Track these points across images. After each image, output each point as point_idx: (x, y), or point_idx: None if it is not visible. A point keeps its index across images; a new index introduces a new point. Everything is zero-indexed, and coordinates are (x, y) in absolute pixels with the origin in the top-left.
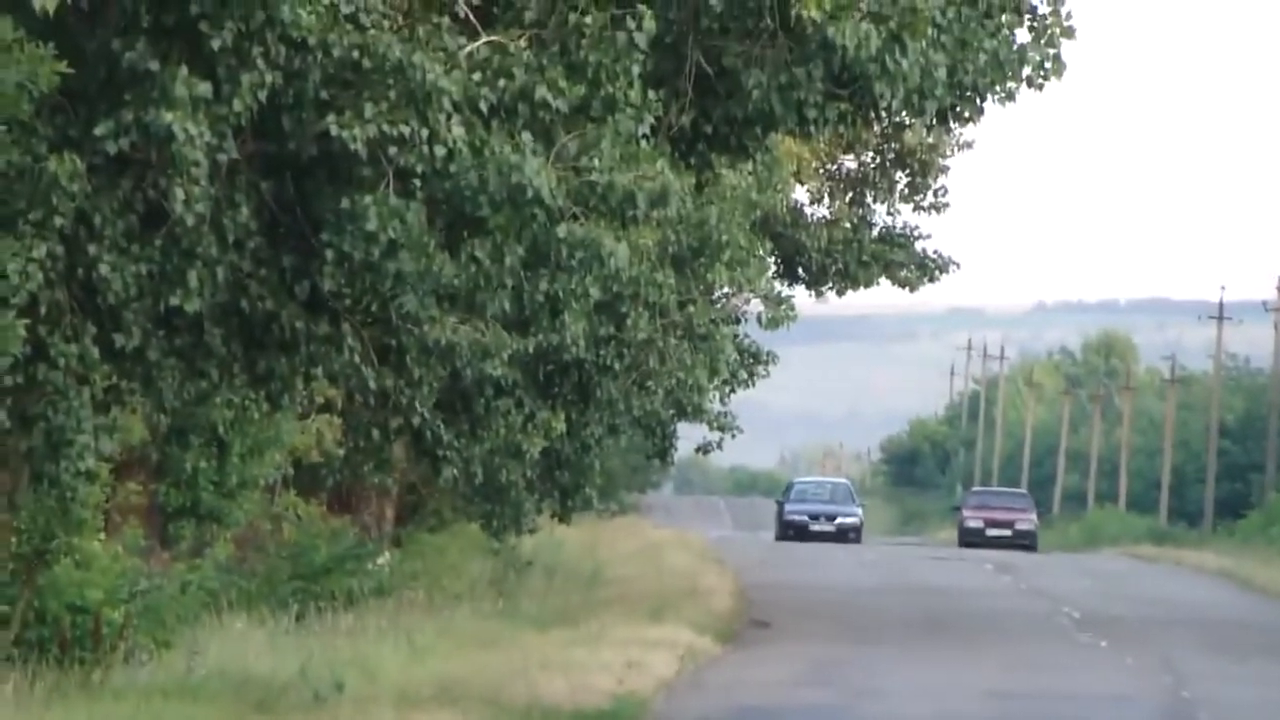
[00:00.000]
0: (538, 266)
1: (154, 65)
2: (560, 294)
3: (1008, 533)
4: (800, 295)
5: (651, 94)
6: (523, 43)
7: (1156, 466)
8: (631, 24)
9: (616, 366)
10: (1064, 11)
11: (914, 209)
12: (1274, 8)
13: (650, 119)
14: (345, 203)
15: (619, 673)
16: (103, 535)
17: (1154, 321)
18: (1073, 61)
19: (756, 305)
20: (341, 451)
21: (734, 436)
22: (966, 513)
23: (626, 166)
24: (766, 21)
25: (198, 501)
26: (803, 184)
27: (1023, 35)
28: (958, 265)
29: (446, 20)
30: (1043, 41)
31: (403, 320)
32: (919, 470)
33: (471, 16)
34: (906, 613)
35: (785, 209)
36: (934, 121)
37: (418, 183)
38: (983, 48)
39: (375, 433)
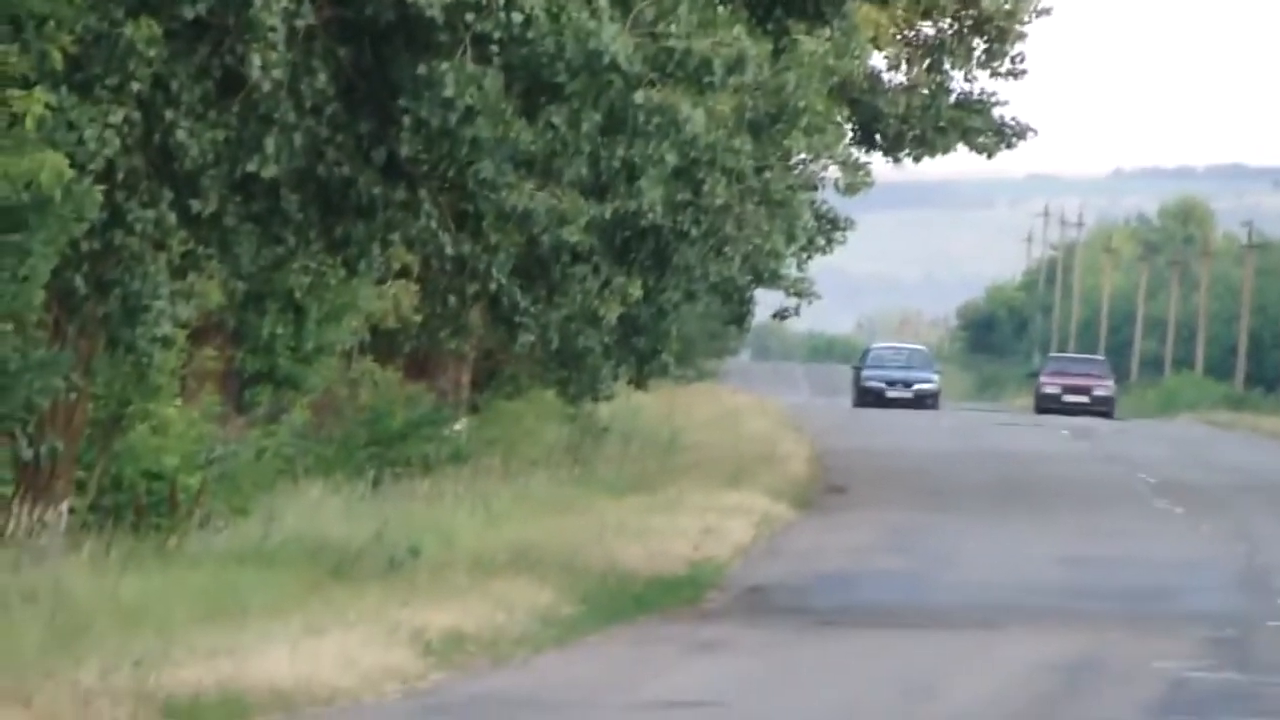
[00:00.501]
0: (614, 133)
1: None
2: (637, 160)
3: (1085, 399)
4: (877, 161)
5: None
6: None
7: (1233, 332)
8: None
9: (693, 232)
10: None
11: (991, 75)
12: None
13: None
14: (422, 69)
15: (695, 539)
16: (179, 401)
17: (1231, 187)
18: None
19: (834, 171)
20: (418, 317)
21: (811, 303)
22: (1044, 379)
23: (703, 32)
24: None
25: (274, 367)
26: (880, 50)
27: None
28: (1035, 131)
29: None
30: None
31: (479, 186)
32: (996, 336)
33: None
34: (983, 479)
35: (862, 75)
36: None
37: (495, 49)
38: None
39: (452, 299)
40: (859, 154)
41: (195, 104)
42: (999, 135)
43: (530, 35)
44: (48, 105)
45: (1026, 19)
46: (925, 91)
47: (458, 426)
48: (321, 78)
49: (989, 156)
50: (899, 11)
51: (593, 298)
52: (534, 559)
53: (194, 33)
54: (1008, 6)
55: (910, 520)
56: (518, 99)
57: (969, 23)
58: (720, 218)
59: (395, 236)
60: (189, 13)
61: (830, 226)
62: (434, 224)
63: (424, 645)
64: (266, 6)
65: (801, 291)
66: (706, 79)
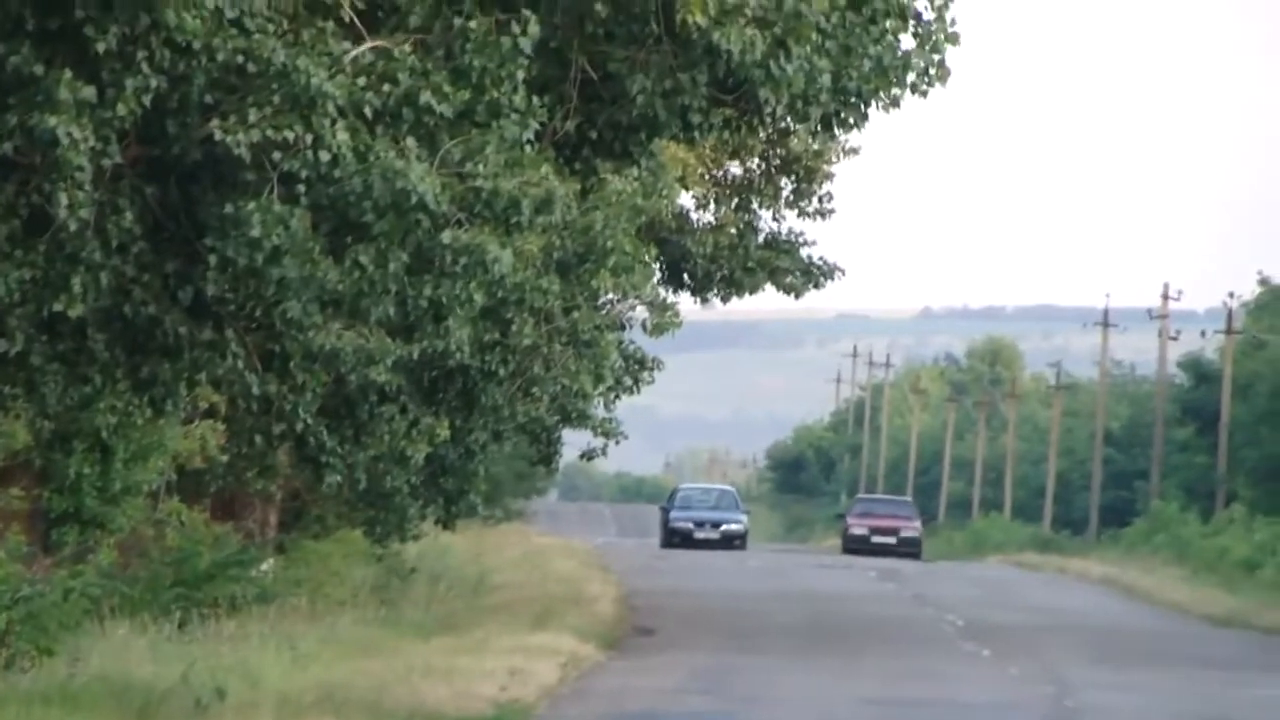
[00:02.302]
0: (422, 272)
1: (38, 69)
2: (444, 300)
3: (892, 540)
4: (686, 301)
5: (536, 99)
6: (407, 47)
7: (1041, 474)
8: (516, 29)
9: (501, 372)
10: (948, 17)
11: (799, 215)
12: (1160, 14)
13: (535, 124)
14: (229, 208)
15: (502, 680)
16: None
17: (1039, 328)
18: (957, 67)
19: (642, 311)
20: (225, 457)
21: (619, 442)
22: (851, 520)
23: (511, 172)
24: (651, 26)
25: (81, 507)
26: (688, 190)
27: (907, 41)
28: (843, 272)
29: (331, 25)
30: (927, 48)
31: (286, 326)
32: (804, 477)
33: (356, 21)
34: (790, 620)
35: (670, 215)
36: (819, 127)
37: (302, 188)
38: (867, 53)
39: (259, 438)
40: (667, 294)
41: (2, 243)
42: (807, 275)
43: (337, 174)
44: None
45: (834, 159)
46: (733, 231)
47: (264, 567)
48: (129, 216)
49: (797, 297)
50: (707, 151)
51: (400, 438)
52: (340, 700)
53: (0, 172)
54: (815, 147)
55: (718, 662)
56: (325, 238)
57: (777, 163)
58: (528, 358)
59: (202, 376)
60: None
61: (638, 366)
62: (240, 364)
63: None
64: (74, 146)
65: (609, 432)
66: (514, 219)
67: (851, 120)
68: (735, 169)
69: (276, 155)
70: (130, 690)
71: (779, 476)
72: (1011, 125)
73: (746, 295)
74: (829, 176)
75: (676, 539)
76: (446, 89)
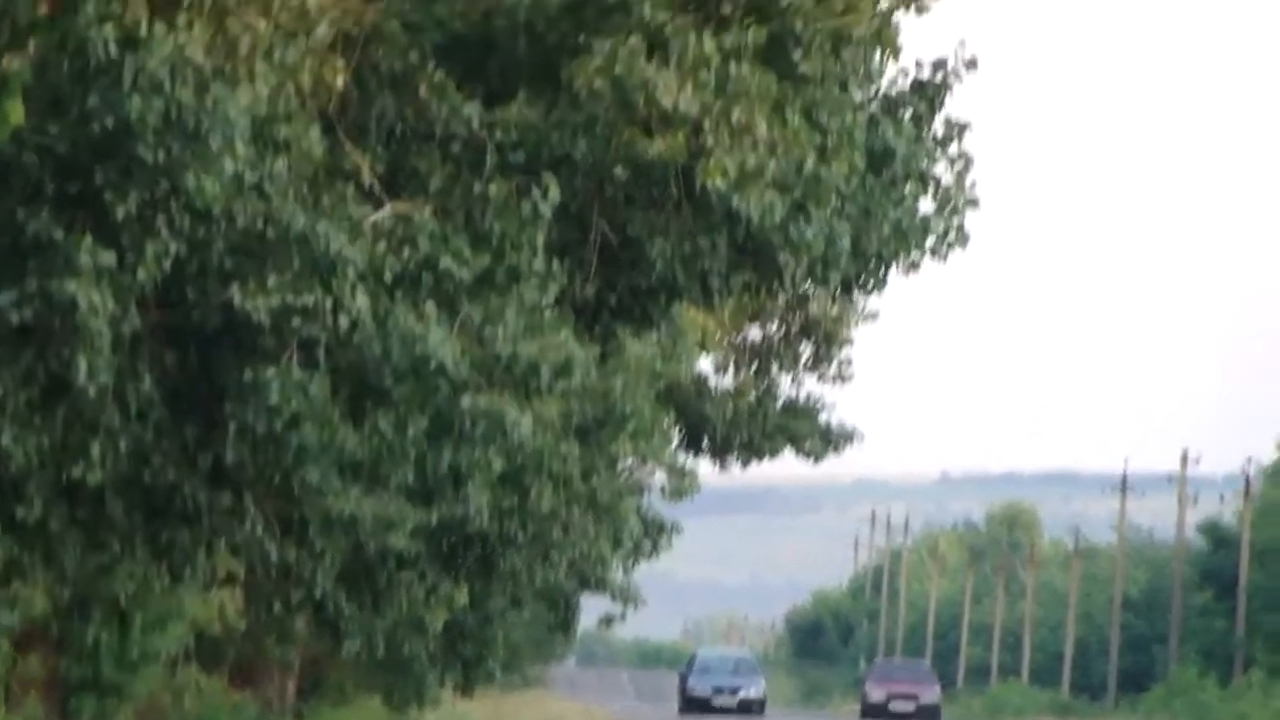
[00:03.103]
0: (441, 438)
1: (58, 234)
2: (464, 466)
3: (911, 706)
4: (704, 466)
5: (556, 264)
6: (427, 212)
7: (1060, 639)
8: (536, 193)
9: (520, 538)
10: (968, 182)
11: (818, 380)
12: (1176, 180)
13: (554, 289)
14: (248, 374)
15: None
16: (3, 709)
17: (1058, 493)
18: (977, 231)
19: (660, 476)
20: (243, 624)
21: (637, 608)
22: (870, 685)
23: (530, 337)
24: (671, 190)
25: (99, 674)
26: (707, 354)
27: (927, 205)
28: (862, 437)
29: (351, 189)
30: (946, 211)
31: (305, 492)
32: (823, 642)
33: (376, 185)
34: None
35: (690, 379)
36: (838, 291)
37: (321, 353)
38: (887, 217)
39: (277, 605)
40: (686, 458)
41: (20, 410)
42: (826, 440)
43: (357, 339)
44: None
45: (853, 323)
46: (752, 396)
47: None
48: (148, 382)
49: (816, 461)
50: (726, 315)
51: (419, 604)
52: None
53: (19, 338)
54: (835, 311)
55: None
56: (344, 403)
57: (796, 327)
58: (547, 524)
59: (220, 543)
60: (14, 318)
61: (657, 531)
62: (259, 530)
63: None
64: (93, 311)
65: (627, 597)
66: (533, 384)
67: (871, 284)
68: (754, 333)
69: (296, 321)
70: None
71: (797, 641)
72: (1030, 289)
73: (765, 460)
74: (848, 341)
75: (695, 705)
76: (466, 253)
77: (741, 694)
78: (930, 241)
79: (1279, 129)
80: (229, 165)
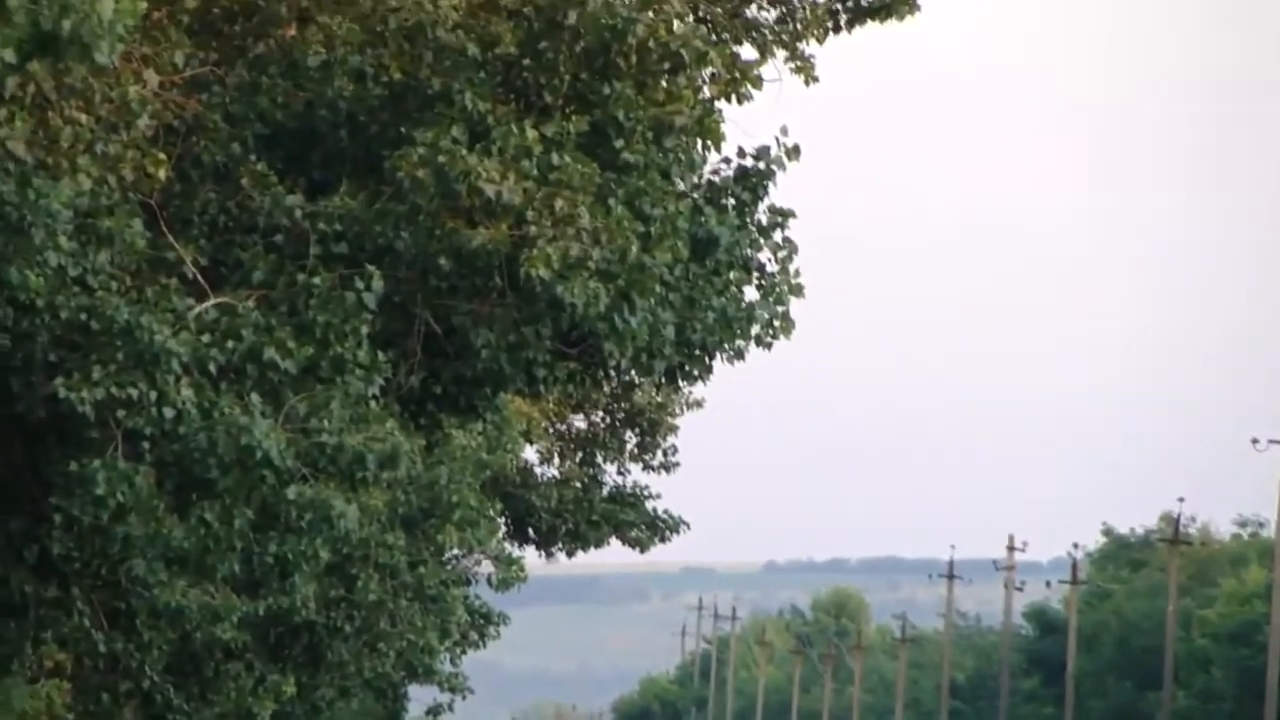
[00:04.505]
0: (267, 528)
1: None
2: (290, 556)
3: None
4: (531, 555)
5: (380, 354)
6: (251, 303)
7: None
8: (360, 284)
9: (347, 628)
10: (792, 269)
11: (644, 468)
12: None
13: (379, 379)
14: (74, 466)
15: None
16: None
17: (885, 580)
18: (801, 318)
19: (487, 566)
20: (72, 716)
21: (464, 698)
22: None
23: (356, 427)
24: (495, 280)
25: None
26: (532, 443)
27: (751, 293)
28: (688, 525)
29: (174, 281)
30: (771, 299)
31: (132, 584)
32: None
33: (200, 277)
34: None
35: (515, 469)
36: (663, 380)
37: (146, 445)
38: (711, 306)
39: (105, 696)
40: (512, 548)
41: None
42: (652, 529)
43: (182, 430)
44: None
45: (678, 411)
46: (578, 485)
47: None
48: None
49: (642, 551)
50: (551, 405)
51: (246, 695)
52: None
53: None
54: (659, 399)
55: None
56: (169, 495)
57: (621, 416)
58: (374, 614)
59: (48, 635)
60: None
61: (484, 621)
62: (86, 622)
63: None
64: None
65: (456, 687)
66: (360, 474)
67: (695, 372)
68: (579, 422)
69: (121, 412)
70: None
71: None
72: (856, 376)
73: (591, 549)
74: (673, 429)
75: None
76: (290, 345)
77: None
78: (755, 329)
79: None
80: (52, 258)
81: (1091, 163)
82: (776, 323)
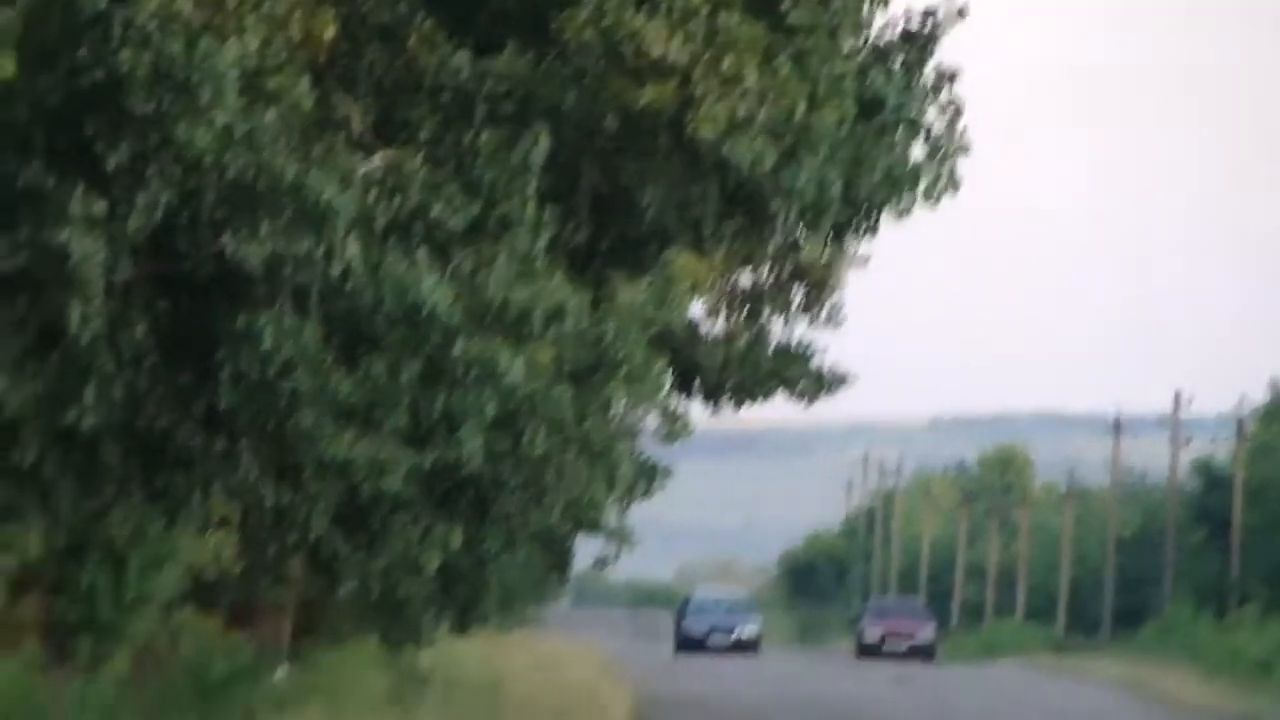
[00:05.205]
0: (434, 382)
1: (49, 184)
2: (457, 410)
3: (906, 645)
4: (697, 409)
5: (547, 211)
6: (418, 161)
7: (1054, 578)
8: (527, 142)
9: (514, 481)
10: (958, 128)
11: (810, 323)
12: (1167, 118)
13: (546, 236)
14: (241, 321)
15: None
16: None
17: (1051, 435)
18: (968, 175)
19: (653, 420)
20: (239, 567)
21: (631, 550)
22: (865, 625)
23: (522, 283)
24: (662, 139)
25: (96, 617)
26: (699, 299)
27: (917, 152)
28: (854, 380)
29: (341, 139)
30: (937, 158)
31: (299, 437)
32: (817, 583)
33: (366, 135)
34: None
35: (682, 324)
36: (829, 237)
37: (314, 300)
38: (877, 164)
39: (273, 548)
40: (678, 402)
41: (14, 356)
42: (818, 383)
43: (349, 287)
44: None
45: (844, 268)
46: (744, 341)
47: (279, 675)
48: (140, 330)
49: (808, 404)
50: (717, 261)
51: (414, 547)
52: None
53: (11, 286)
54: (826, 258)
55: None
56: (337, 350)
57: (788, 272)
58: (540, 467)
59: (216, 487)
60: (6, 266)
61: (650, 474)
62: (254, 475)
63: None
64: (86, 260)
65: (621, 539)
66: (526, 329)
67: (862, 229)
68: (746, 279)
69: (288, 269)
70: None
71: (791, 583)
72: (1021, 231)
73: (758, 403)
74: (839, 286)
75: (690, 644)
76: (457, 201)
77: (736, 634)
78: (921, 187)
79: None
80: (219, 117)
81: None
82: (942, 180)
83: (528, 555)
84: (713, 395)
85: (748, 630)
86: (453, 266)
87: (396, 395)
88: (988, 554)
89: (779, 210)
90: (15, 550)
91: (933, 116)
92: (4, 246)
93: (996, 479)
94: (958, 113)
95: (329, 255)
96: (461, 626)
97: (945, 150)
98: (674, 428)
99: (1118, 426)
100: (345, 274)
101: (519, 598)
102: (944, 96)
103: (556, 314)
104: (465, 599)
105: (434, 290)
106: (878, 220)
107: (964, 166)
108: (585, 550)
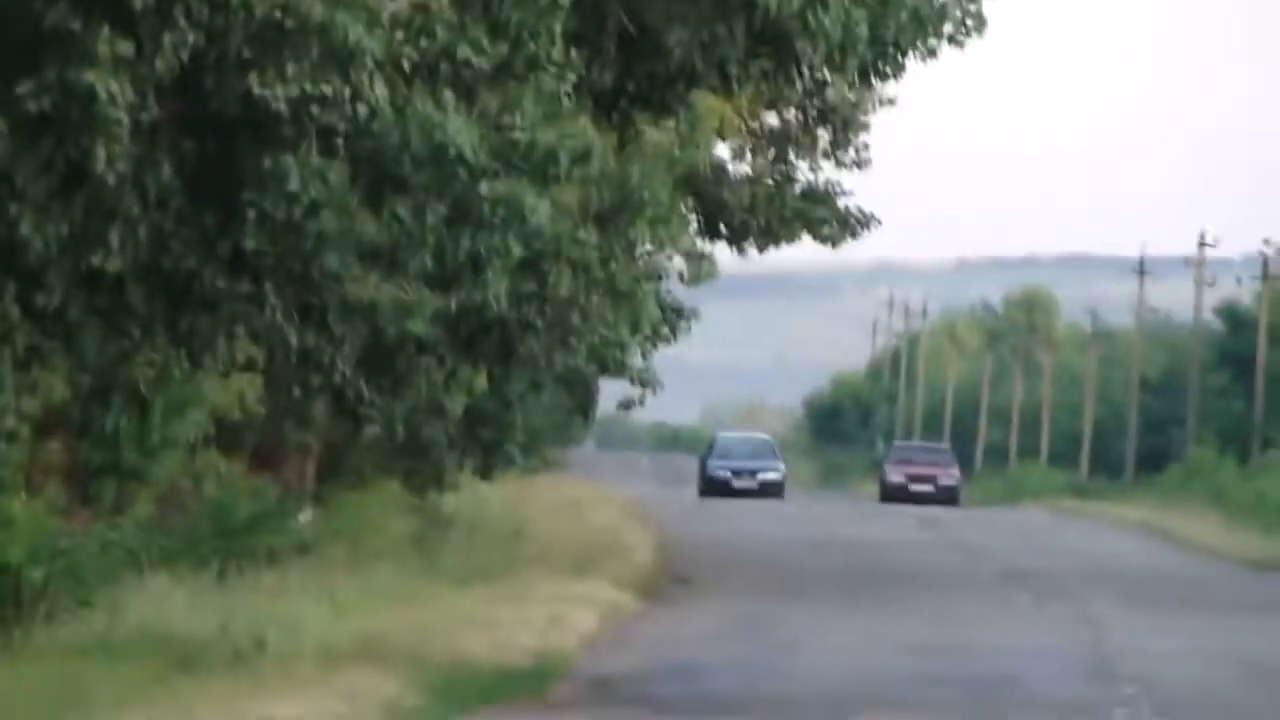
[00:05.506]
0: (460, 224)
1: (76, 24)
2: (482, 251)
3: (930, 488)
4: (722, 251)
5: (574, 52)
6: (445, 1)
7: (1078, 421)
8: None
9: (539, 324)
10: None
11: (836, 166)
12: None
13: (572, 77)
14: (267, 162)
15: (541, 629)
16: (24, 495)
17: (1076, 277)
18: (994, 17)
19: (679, 262)
20: (263, 410)
21: (656, 393)
22: (889, 468)
23: (548, 124)
24: None
25: (120, 460)
26: (725, 141)
27: None
28: (880, 222)
29: None
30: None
31: (324, 278)
32: (842, 425)
33: None
34: (828, 568)
35: (708, 166)
36: (856, 78)
37: (340, 142)
38: (904, 4)
39: (297, 391)
40: (703, 244)
41: (39, 197)
42: (844, 225)
43: (376, 128)
44: None
45: (871, 110)
46: (770, 182)
47: (303, 518)
48: (166, 171)
49: (834, 246)
50: (744, 103)
51: (438, 389)
52: (380, 650)
53: (38, 127)
54: (852, 97)
55: (757, 609)
56: (363, 191)
57: (814, 114)
58: (565, 309)
59: (240, 329)
60: (32, 107)
61: (675, 316)
62: (278, 317)
63: None
64: (111, 101)
65: (646, 381)
66: (551, 171)
67: (888, 71)
68: (772, 120)
69: (315, 109)
70: (169, 641)
71: (816, 425)
72: (1046, 74)
73: (783, 245)
74: (866, 127)
75: (715, 488)
76: (484, 43)
77: (761, 476)
78: (948, 28)
79: None
80: None
81: None
82: (969, 21)
83: (552, 398)
84: (738, 238)
85: (772, 474)
86: (479, 108)
87: (422, 237)
88: (1012, 396)
89: (805, 51)
90: (40, 394)
91: None
92: (30, 87)
93: (1022, 320)
94: None
95: (355, 96)
96: (485, 470)
97: None
98: (699, 269)
99: (1142, 267)
100: (372, 115)
101: (543, 441)
102: None
103: (582, 155)
104: (489, 442)
105: (460, 131)
106: (904, 61)
107: (989, 6)
108: (610, 393)
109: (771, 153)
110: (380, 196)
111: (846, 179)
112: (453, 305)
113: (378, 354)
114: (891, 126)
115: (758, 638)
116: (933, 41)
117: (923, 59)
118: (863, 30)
